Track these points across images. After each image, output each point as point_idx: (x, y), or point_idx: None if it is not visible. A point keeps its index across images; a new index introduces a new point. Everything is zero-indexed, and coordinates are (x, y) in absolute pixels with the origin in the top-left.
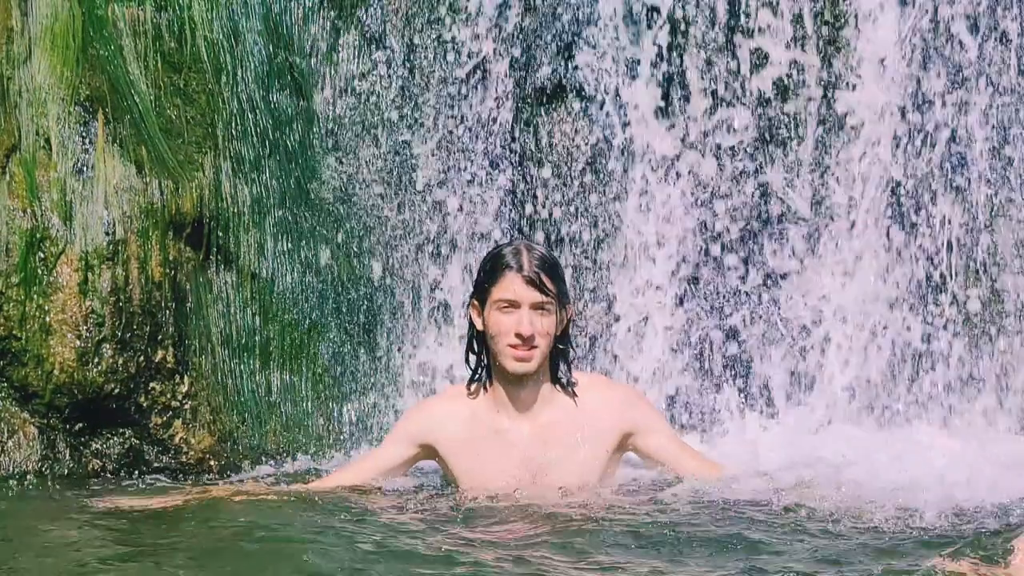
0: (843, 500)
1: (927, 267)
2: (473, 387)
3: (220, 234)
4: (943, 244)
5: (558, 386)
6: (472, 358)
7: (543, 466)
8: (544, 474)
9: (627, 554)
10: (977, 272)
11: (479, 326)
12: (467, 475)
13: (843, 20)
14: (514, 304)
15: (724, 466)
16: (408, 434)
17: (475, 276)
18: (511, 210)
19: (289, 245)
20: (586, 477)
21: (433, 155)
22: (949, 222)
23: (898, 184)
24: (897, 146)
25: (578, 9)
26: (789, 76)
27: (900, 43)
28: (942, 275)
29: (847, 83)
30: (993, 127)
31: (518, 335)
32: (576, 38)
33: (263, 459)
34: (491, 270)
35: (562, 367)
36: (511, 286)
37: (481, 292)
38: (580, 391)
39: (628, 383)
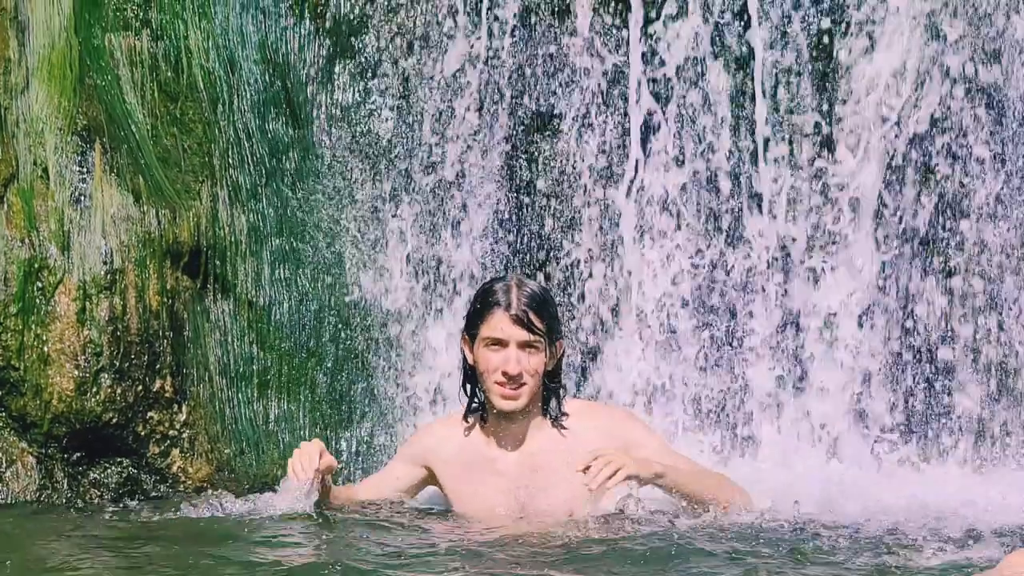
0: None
1: None
2: (472, 416)
3: (217, 263)
4: None
5: (549, 420)
6: (468, 389)
7: (532, 493)
8: (533, 501)
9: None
10: None
11: (470, 360)
12: (458, 498)
13: None
14: (502, 343)
15: (726, 477)
16: (410, 455)
17: (468, 308)
18: (506, 236)
19: (286, 273)
20: (576, 503)
21: (429, 181)
22: None
23: None
24: None
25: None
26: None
27: None
28: None
29: None
30: None
31: (505, 373)
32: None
33: (261, 488)
34: (481, 306)
35: (552, 403)
36: (499, 324)
37: (471, 327)
38: (570, 420)
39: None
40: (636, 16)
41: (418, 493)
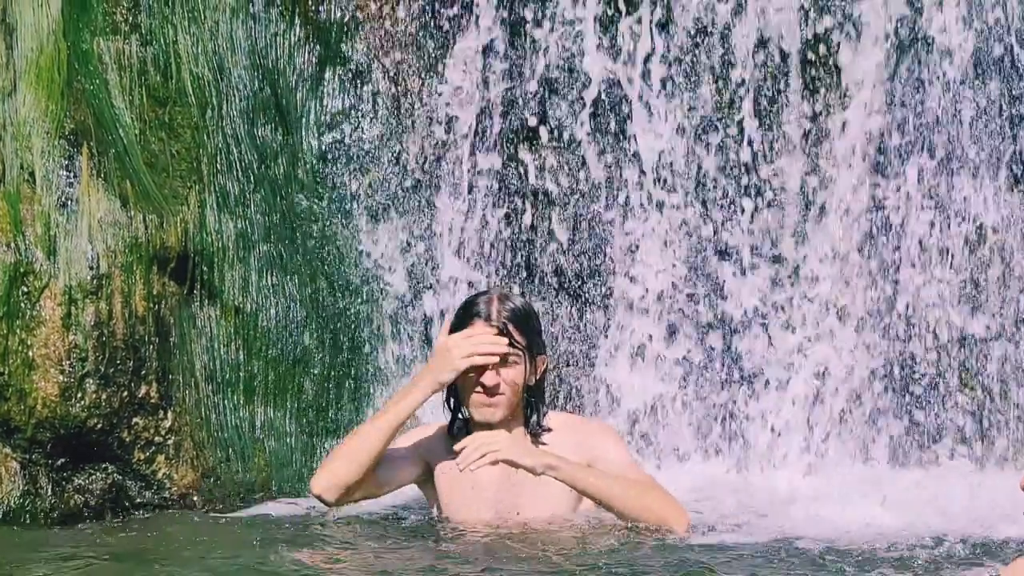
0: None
1: None
2: (456, 430)
3: (204, 268)
4: None
5: (529, 434)
6: (451, 402)
7: (512, 506)
8: (513, 513)
9: None
10: None
11: None
12: (444, 505)
13: None
14: None
15: (658, 494)
16: (413, 447)
17: (451, 319)
18: (497, 245)
19: (274, 280)
20: (556, 516)
21: (420, 188)
22: None
23: None
24: None
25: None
26: None
27: None
28: None
29: None
30: None
31: (482, 384)
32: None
33: (246, 495)
34: (462, 317)
35: (533, 417)
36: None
37: None
38: (550, 435)
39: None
40: None
41: (398, 488)
